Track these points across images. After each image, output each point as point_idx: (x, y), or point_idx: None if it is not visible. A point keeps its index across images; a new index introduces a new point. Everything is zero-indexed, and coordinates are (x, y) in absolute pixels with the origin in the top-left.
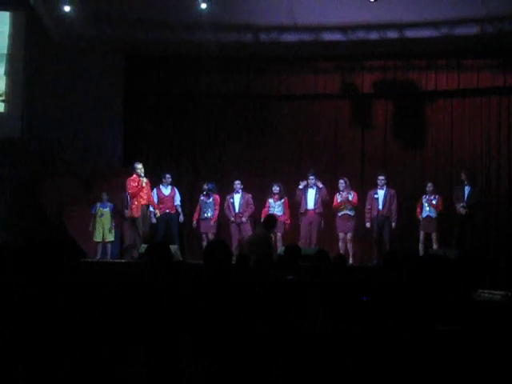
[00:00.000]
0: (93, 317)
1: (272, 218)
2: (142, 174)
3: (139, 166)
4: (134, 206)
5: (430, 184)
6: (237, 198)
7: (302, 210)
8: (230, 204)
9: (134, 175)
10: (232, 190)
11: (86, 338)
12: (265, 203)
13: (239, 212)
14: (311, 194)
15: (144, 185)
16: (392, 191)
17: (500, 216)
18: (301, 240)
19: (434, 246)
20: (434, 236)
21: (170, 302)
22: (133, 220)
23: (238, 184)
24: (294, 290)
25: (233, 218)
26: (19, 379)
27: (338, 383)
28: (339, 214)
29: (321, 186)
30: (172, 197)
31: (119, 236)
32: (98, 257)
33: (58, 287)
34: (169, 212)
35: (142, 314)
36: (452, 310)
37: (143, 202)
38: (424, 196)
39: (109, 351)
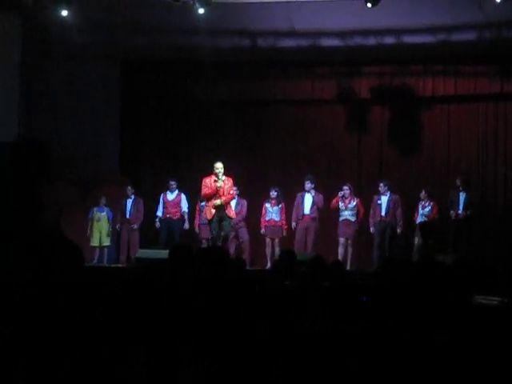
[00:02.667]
0: (93, 317)
1: (425, 226)
2: (220, 175)
3: (218, 166)
4: (206, 209)
5: (423, 191)
6: (232, 204)
7: (299, 216)
8: None
9: (212, 175)
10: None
11: (85, 338)
12: (261, 208)
13: (236, 219)
14: (308, 200)
15: (220, 185)
16: (395, 197)
17: (496, 222)
18: (296, 245)
19: None
20: None
21: (169, 303)
22: (208, 222)
23: (233, 190)
24: (291, 293)
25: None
26: (19, 379)
27: (337, 383)
28: (340, 219)
29: (314, 194)
30: (176, 203)
31: (116, 241)
32: (95, 261)
33: (58, 287)
34: (170, 217)
35: (141, 314)
36: (449, 315)
37: (218, 204)
38: (420, 202)
39: (109, 351)
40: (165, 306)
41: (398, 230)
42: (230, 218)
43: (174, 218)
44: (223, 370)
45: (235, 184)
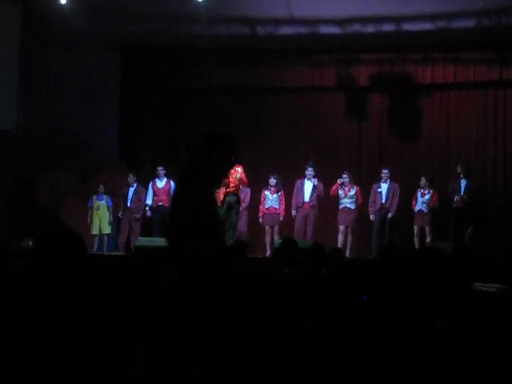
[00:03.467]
0: (93, 316)
1: (479, 213)
2: None
3: None
4: (216, 195)
5: (423, 178)
6: None
7: (299, 203)
8: None
9: None
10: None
11: (86, 338)
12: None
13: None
14: (308, 187)
15: None
16: (395, 185)
17: (496, 209)
18: (295, 233)
19: (428, 239)
20: (427, 229)
21: (170, 302)
22: None
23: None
24: (293, 287)
25: None
26: (19, 379)
27: (338, 383)
28: (340, 207)
29: (316, 182)
30: (166, 190)
31: (116, 228)
32: (95, 249)
33: (58, 287)
34: (162, 205)
35: (142, 313)
36: (449, 302)
37: (228, 190)
38: (418, 190)
39: (109, 351)
40: (164, 303)
41: (389, 215)
42: (239, 204)
43: (167, 205)
44: (223, 370)
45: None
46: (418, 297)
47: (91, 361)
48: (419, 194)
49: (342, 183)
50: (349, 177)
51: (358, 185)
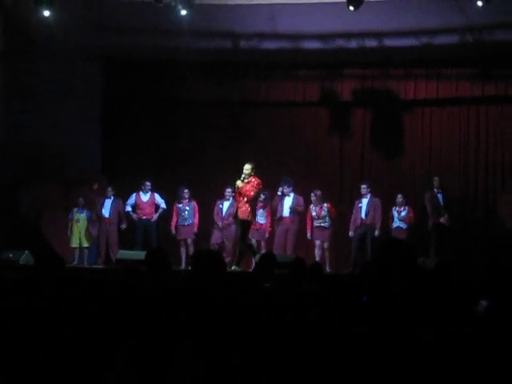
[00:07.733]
0: (83, 322)
1: None
2: (243, 176)
3: (244, 167)
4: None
5: (399, 195)
6: (226, 205)
7: (277, 218)
8: (219, 210)
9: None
10: (222, 197)
11: (76, 344)
12: None
13: (225, 217)
14: (287, 202)
15: (237, 185)
16: (376, 200)
17: (477, 224)
18: (275, 247)
19: None
20: None
21: (164, 309)
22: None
23: (228, 192)
24: (273, 301)
25: (220, 224)
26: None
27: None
28: (314, 225)
29: (293, 195)
30: (151, 204)
31: (96, 241)
32: (75, 262)
33: (47, 294)
34: (146, 218)
35: (136, 319)
36: (435, 316)
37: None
38: (394, 207)
39: (100, 357)
40: (158, 313)
41: (376, 233)
42: (240, 219)
43: (150, 218)
44: (221, 372)
45: (228, 186)
46: (404, 311)
47: (81, 366)
48: (395, 211)
49: (313, 204)
50: (315, 195)
51: (338, 199)
